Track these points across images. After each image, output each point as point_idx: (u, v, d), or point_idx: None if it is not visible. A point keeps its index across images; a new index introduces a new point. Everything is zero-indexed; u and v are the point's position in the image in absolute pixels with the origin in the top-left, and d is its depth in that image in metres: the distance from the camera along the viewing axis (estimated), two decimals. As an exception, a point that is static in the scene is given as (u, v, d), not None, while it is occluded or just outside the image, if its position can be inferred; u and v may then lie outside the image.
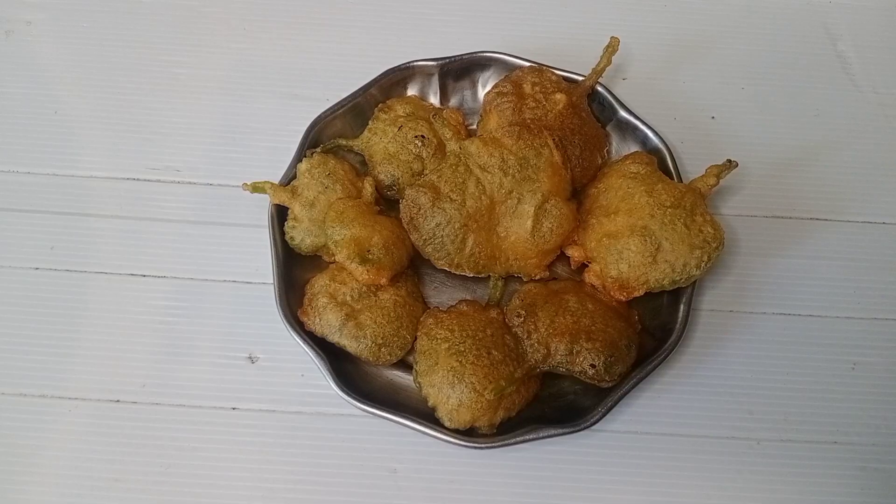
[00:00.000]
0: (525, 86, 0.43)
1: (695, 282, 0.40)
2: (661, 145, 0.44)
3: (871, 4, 0.54)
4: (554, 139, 0.41)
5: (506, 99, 0.43)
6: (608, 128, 0.46)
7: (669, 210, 0.39)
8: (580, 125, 0.43)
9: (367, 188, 0.42)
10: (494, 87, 0.44)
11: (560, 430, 0.37)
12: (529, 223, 0.40)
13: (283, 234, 0.41)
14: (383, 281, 0.39)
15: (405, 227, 0.41)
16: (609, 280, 0.40)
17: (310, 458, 0.39)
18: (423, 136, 0.43)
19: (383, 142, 0.43)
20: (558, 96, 0.42)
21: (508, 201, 0.40)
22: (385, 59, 0.46)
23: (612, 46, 0.43)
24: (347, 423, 0.40)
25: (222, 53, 0.51)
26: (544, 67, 0.45)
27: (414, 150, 0.43)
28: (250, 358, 0.42)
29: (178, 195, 0.46)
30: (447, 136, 0.41)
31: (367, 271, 0.38)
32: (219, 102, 0.49)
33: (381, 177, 0.43)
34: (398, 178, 0.43)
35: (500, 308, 0.41)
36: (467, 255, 0.40)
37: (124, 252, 0.44)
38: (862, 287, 0.44)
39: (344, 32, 0.52)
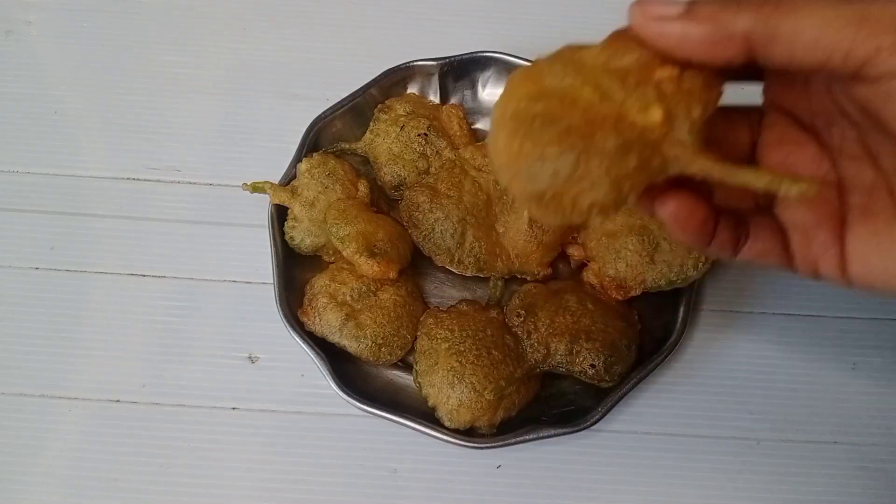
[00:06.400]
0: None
1: (694, 282, 0.40)
2: (661, 145, 0.44)
3: (871, 4, 0.54)
4: None
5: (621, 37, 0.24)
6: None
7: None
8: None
9: (362, 189, 0.42)
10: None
11: (560, 430, 0.37)
12: (526, 214, 0.40)
13: (283, 234, 0.41)
14: (392, 274, 0.39)
15: (405, 224, 0.41)
16: (607, 279, 0.40)
17: (310, 458, 0.39)
18: (425, 134, 0.43)
19: (386, 143, 0.43)
20: (654, 110, 0.22)
21: (505, 197, 0.40)
22: (385, 59, 0.46)
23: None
24: (347, 423, 0.40)
25: (222, 53, 0.50)
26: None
27: (418, 149, 0.43)
28: (250, 358, 0.42)
29: (178, 195, 0.46)
30: (442, 145, 0.43)
31: (378, 264, 0.38)
32: (219, 102, 0.49)
33: (388, 178, 0.43)
34: (405, 178, 0.43)
35: (500, 308, 0.41)
36: (467, 250, 0.40)
37: (124, 252, 0.44)
38: (862, 287, 0.44)
39: (344, 32, 0.52)
